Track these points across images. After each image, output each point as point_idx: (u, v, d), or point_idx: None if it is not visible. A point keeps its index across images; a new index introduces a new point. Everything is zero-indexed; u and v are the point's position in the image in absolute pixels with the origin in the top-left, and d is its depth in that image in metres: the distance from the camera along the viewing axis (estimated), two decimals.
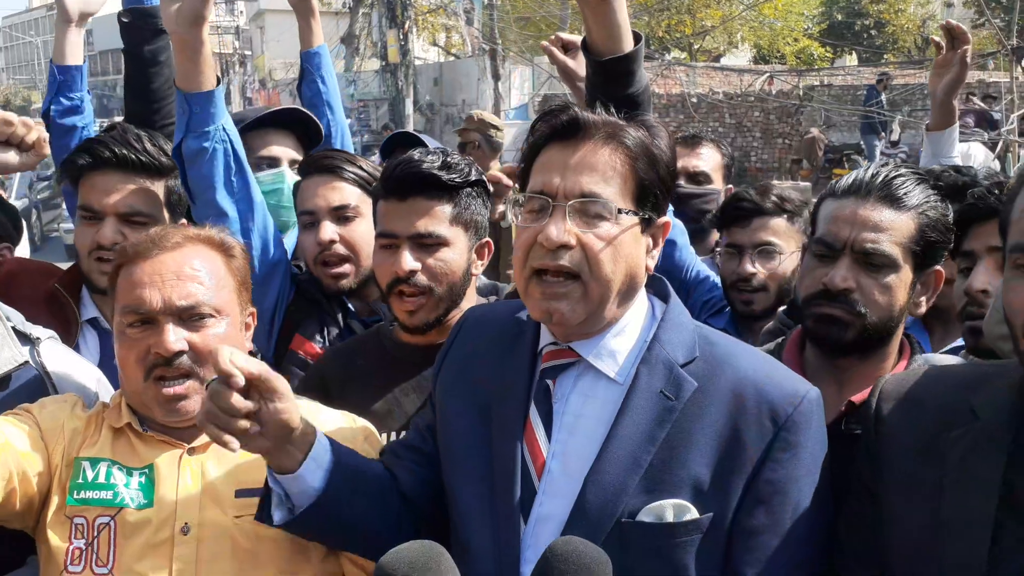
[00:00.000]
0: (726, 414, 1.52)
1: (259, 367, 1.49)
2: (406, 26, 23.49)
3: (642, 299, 1.64)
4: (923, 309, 1.90)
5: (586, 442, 1.55)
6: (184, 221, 2.42)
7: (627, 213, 1.52)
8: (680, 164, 3.07)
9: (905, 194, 1.81)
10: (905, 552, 1.50)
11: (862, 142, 18.28)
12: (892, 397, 1.60)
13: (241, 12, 53.69)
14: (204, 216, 2.32)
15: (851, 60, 33.55)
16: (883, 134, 17.76)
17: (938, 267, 1.86)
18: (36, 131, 2.25)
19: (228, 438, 1.47)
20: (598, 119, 1.55)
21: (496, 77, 22.95)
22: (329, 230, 2.41)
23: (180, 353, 1.75)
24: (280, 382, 1.51)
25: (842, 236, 1.81)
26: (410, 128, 21.60)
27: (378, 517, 1.66)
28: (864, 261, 1.80)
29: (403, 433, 2.02)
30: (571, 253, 1.51)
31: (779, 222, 2.58)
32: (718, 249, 2.79)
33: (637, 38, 1.98)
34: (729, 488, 1.50)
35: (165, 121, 2.63)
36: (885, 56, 32.12)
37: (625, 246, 1.53)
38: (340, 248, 2.42)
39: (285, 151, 2.88)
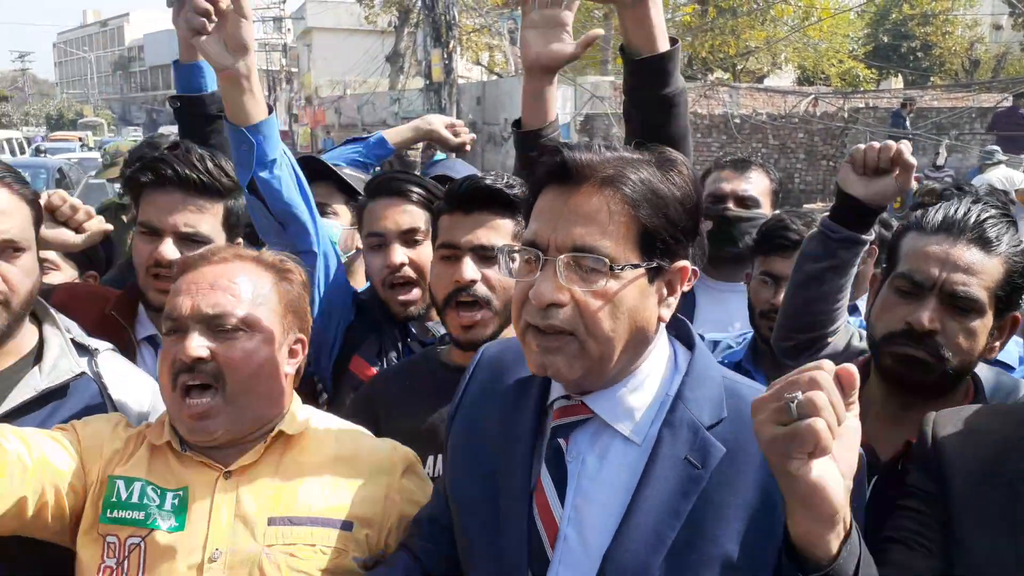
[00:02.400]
0: (757, 481, 1.37)
1: None
2: (450, 45, 23.66)
3: (662, 347, 1.50)
4: (996, 353, 1.85)
5: (603, 511, 1.41)
6: (240, 241, 2.42)
7: (628, 267, 1.37)
8: (729, 187, 3.10)
9: (996, 237, 1.78)
10: (969, 561, 1.46)
11: None
12: (948, 424, 1.56)
13: (288, 30, 54.46)
14: (299, 242, 2.33)
15: (896, 82, 33.18)
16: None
17: (1016, 313, 1.81)
18: (83, 212, 2.27)
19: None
20: (593, 160, 1.38)
21: None
22: (399, 253, 2.41)
23: (201, 360, 1.71)
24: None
25: (932, 275, 1.77)
26: None
27: None
28: (952, 303, 1.76)
29: None
30: (563, 311, 1.38)
31: None
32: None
33: (673, 41, 1.96)
34: (762, 559, 1.33)
35: None
36: (932, 79, 31.72)
37: (627, 301, 1.38)
38: (409, 271, 2.43)
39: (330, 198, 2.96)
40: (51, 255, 2.92)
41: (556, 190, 1.40)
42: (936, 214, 1.83)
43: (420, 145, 6.43)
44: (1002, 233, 1.79)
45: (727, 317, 2.97)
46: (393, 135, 3.44)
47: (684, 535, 1.36)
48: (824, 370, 1.13)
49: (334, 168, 3.08)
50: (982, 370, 1.95)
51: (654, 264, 1.39)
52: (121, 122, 76.76)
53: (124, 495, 1.74)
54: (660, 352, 1.49)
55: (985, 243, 1.77)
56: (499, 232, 2.03)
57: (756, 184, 3.15)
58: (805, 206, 17.95)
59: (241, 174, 2.28)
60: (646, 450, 1.42)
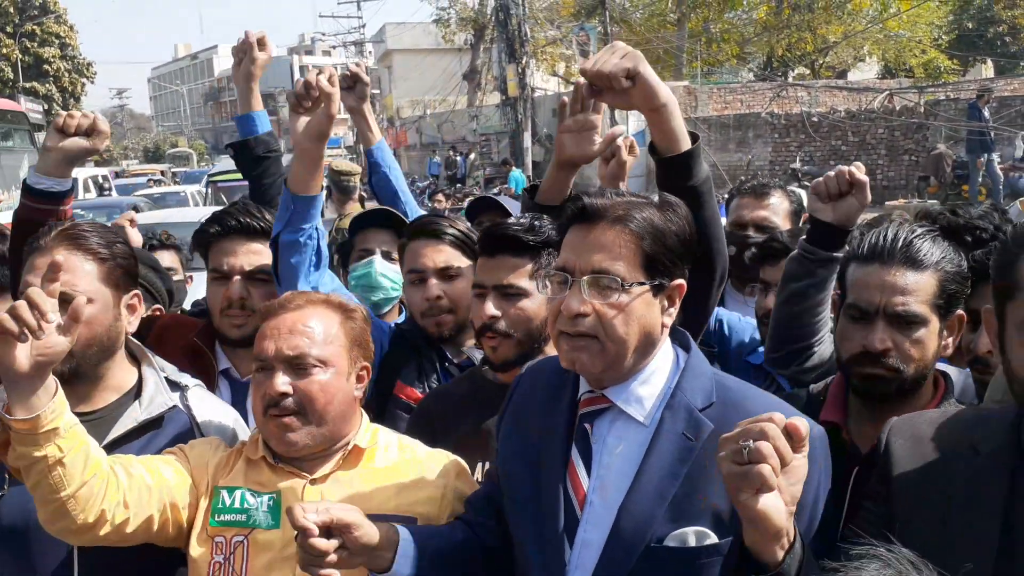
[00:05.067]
0: None
1: (328, 514, 1.74)
2: (524, 60, 24.00)
3: (667, 350, 1.84)
4: (950, 350, 2.10)
5: (620, 478, 1.75)
6: None
7: (636, 284, 1.72)
8: (749, 216, 3.39)
9: (924, 255, 2.01)
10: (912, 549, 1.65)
11: (979, 160, 17.48)
12: (899, 433, 1.78)
13: (370, 52, 55.64)
14: None
15: (987, 70, 32.16)
16: (994, 151, 17.10)
17: (960, 312, 2.06)
18: (80, 117, 2.60)
19: (327, 572, 1.75)
20: (607, 204, 1.75)
21: (613, 106, 23.14)
22: (435, 288, 2.75)
23: (285, 395, 2.05)
24: (350, 514, 1.78)
25: (874, 302, 2.02)
26: (528, 160, 22.08)
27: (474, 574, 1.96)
28: (897, 322, 2.01)
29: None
30: (588, 320, 1.72)
31: None
32: (752, 285, 3.01)
33: (695, 138, 2.17)
34: None
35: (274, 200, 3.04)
36: (1021, 63, 30.62)
37: (637, 310, 1.73)
38: (445, 303, 2.75)
39: (379, 243, 3.29)
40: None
41: (579, 227, 1.78)
42: (866, 242, 2.08)
43: (356, 171, 6.96)
44: (929, 249, 2.02)
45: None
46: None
47: (681, 491, 1.70)
48: (774, 422, 1.43)
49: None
50: (953, 372, 2.19)
51: (656, 282, 1.75)
52: (213, 151, 79.06)
53: (228, 502, 2.09)
54: (664, 354, 1.84)
55: (914, 262, 2.00)
56: (518, 273, 2.32)
57: (774, 209, 3.40)
58: (887, 203, 17.67)
59: (275, 226, 2.65)
60: (652, 429, 1.77)
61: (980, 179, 17.41)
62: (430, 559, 1.88)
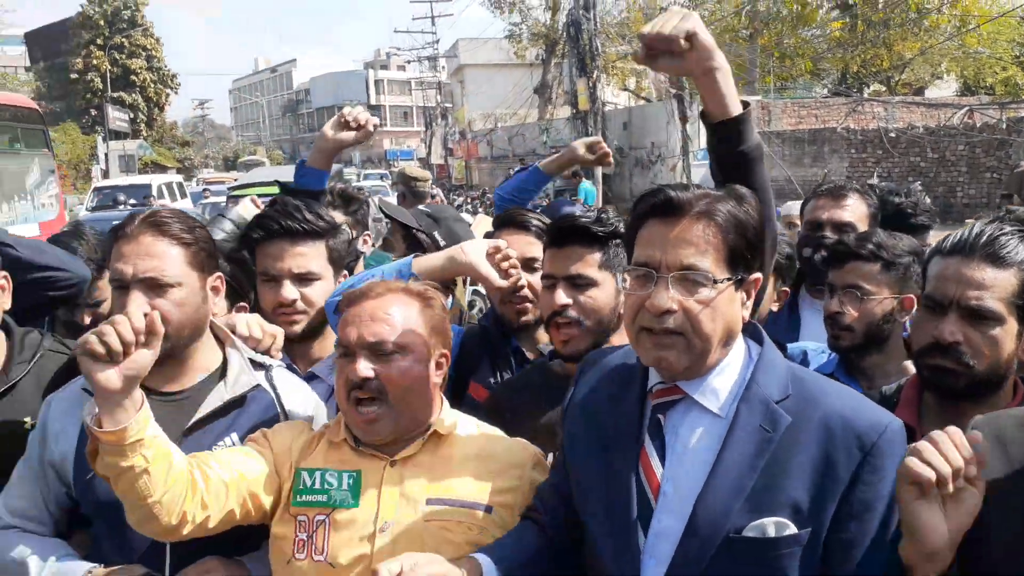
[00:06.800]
0: (817, 444, 1.70)
1: (414, 573, 1.80)
2: (594, 75, 24.06)
3: (740, 343, 1.84)
4: None
5: (694, 469, 1.75)
6: (345, 273, 2.87)
7: (722, 281, 1.72)
8: (826, 215, 3.33)
9: (1008, 252, 1.97)
10: (997, 555, 1.64)
11: None
12: (984, 432, 1.70)
13: (443, 68, 56.18)
14: None
15: None
16: None
17: None
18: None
19: None
20: (691, 197, 1.74)
21: (684, 119, 23.07)
22: (522, 278, 2.78)
23: (368, 379, 2.09)
24: (434, 567, 1.84)
25: (948, 293, 1.99)
26: (599, 173, 22.09)
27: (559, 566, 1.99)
28: (970, 316, 1.97)
29: None
30: (674, 316, 1.71)
31: (872, 268, 2.69)
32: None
33: (746, 104, 2.19)
34: (824, 507, 1.68)
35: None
36: None
37: (722, 306, 1.73)
38: (527, 292, 2.80)
39: None
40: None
41: (660, 221, 1.76)
42: (953, 238, 2.06)
43: (427, 177, 7.27)
44: (1015, 247, 1.97)
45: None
46: (546, 165, 3.93)
47: (759, 483, 1.70)
48: (948, 434, 1.54)
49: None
50: None
51: (739, 276, 1.76)
52: (290, 161, 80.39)
53: (309, 483, 2.16)
54: (739, 348, 1.83)
55: (996, 259, 1.96)
56: (587, 263, 2.37)
57: (852, 210, 3.35)
58: (967, 221, 17.25)
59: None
60: (727, 421, 1.76)
61: None
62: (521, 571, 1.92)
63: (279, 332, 2.66)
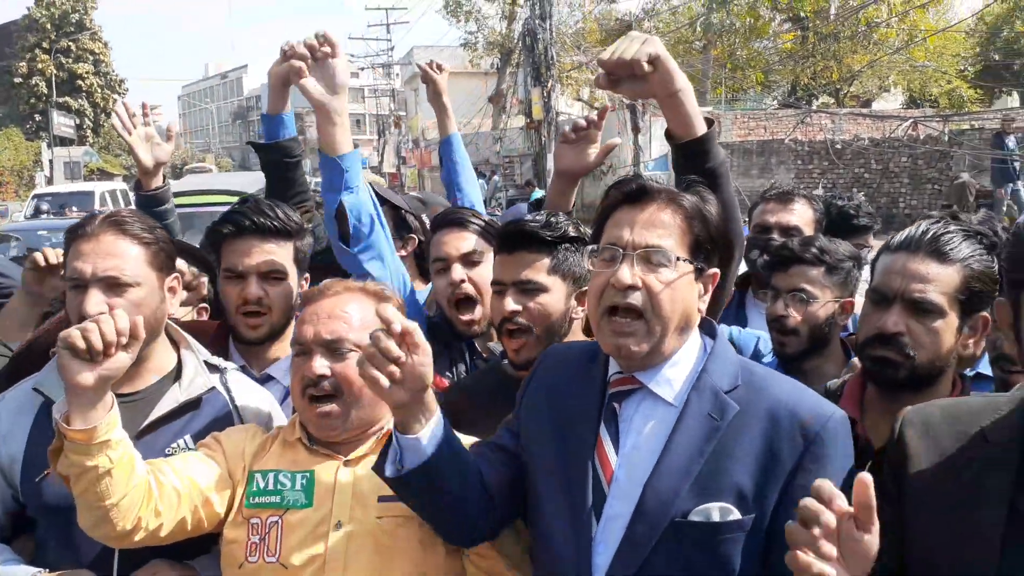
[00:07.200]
0: (763, 432, 1.77)
1: (412, 324, 1.76)
2: (549, 84, 24.16)
3: (695, 337, 1.91)
4: (971, 351, 2.13)
5: (646, 455, 1.81)
6: (307, 276, 2.84)
7: (683, 261, 1.80)
8: (773, 219, 3.41)
9: (951, 249, 2.04)
10: (921, 556, 1.69)
11: (1000, 190, 17.56)
12: (912, 424, 1.78)
13: (397, 75, 56.04)
14: (367, 266, 2.75)
15: (1012, 102, 32.02)
16: (1019, 180, 17.10)
17: (984, 313, 2.07)
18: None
19: (378, 375, 1.74)
20: (660, 187, 1.85)
21: (636, 130, 23.27)
22: (459, 271, 2.80)
23: (323, 377, 2.11)
24: (424, 341, 1.77)
25: (894, 286, 2.06)
26: (550, 181, 22.18)
27: (464, 499, 1.92)
28: (913, 308, 2.04)
29: None
30: (637, 293, 1.78)
31: (816, 272, 2.76)
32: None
33: (710, 123, 2.24)
34: (767, 494, 1.75)
35: (296, 199, 3.16)
36: None
37: (681, 289, 1.81)
38: (468, 287, 2.80)
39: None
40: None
41: (629, 207, 1.85)
42: (900, 235, 2.14)
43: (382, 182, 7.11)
44: (958, 244, 2.05)
45: None
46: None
47: (706, 469, 1.76)
48: (828, 491, 1.46)
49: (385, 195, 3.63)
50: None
51: (699, 265, 1.84)
52: (240, 168, 79.48)
53: (262, 484, 2.15)
54: (694, 341, 1.90)
55: (940, 255, 2.04)
56: (536, 269, 2.36)
57: (799, 215, 3.44)
58: None
59: (330, 199, 2.72)
60: (679, 409, 1.83)
61: (1005, 209, 17.38)
62: (451, 454, 1.87)
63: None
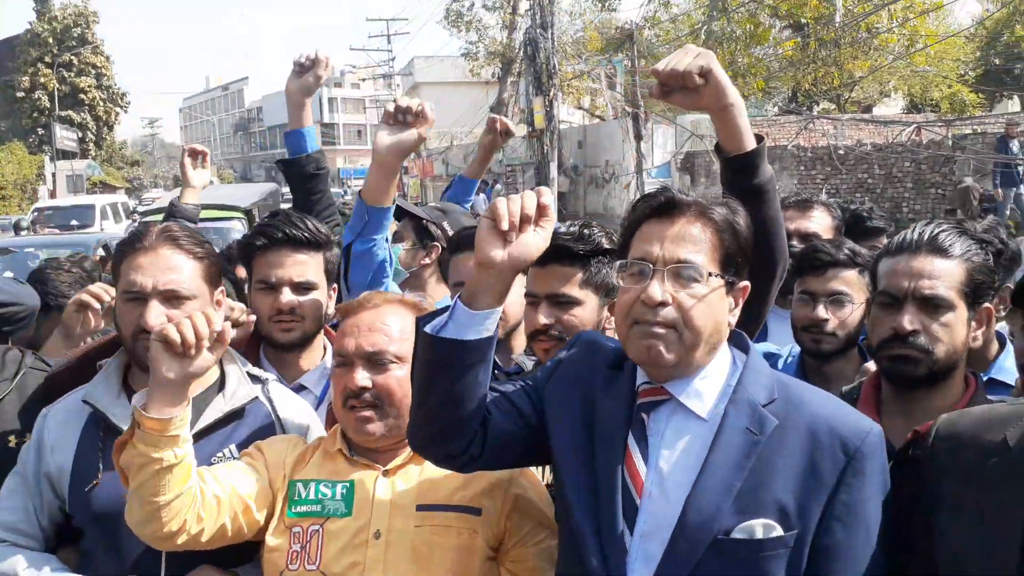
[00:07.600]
0: (802, 448, 1.75)
1: (549, 196, 1.81)
2: (551, 93, 24.22)
3: (725, 350, 1.87)
4: (980, 342, 2.19)
5: (682, 471, 1.77)
6: (335, 287, 2.90)
7: (715, 276, 1.78)
8: (793, 227, 3.40)
9: (950, 245, 2.11)
10: (947, 567, 1.71)
11: (999, 190, 17.67)
12: (944, 437, 1.81)
13: (398, 85, 56.13)
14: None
15: (1013, 106, 32.08)
16: (1023, 183, 17.18)
17: (988, 304, 2.15)
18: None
19: (504, 214, 1.76)
20: (690, 199, 1.82)
21: (639, 138, 23.31)
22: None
23: (364, 389, 2.15)
24: (554, 215, 1.82)
25: (903, 286, 2.10)
26: (555, 190, 22.25)
27: (470, 413, 1.87)
28: (925, 305, 2.09)
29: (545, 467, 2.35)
30: (668, 309, 1.75)
31: (851, 274, 2.80)
32: (790, 296, 2.99)
33: (760, 139, 2.24)
34: (809, 510, 1.73)
35: (324, 213, 3.25)
36: None
37: (713, 304, 1.78)
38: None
39: None
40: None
41: (658, 221, 1.83)
42: (897, 239, 2.20)
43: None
44: (955, 240, 2.12)
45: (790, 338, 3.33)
46: (468, 170, 4.19)
47: (747, 485, 1.74)
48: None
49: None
50: None
51: (730, 279, 1.82)
52: (242, 180, 79.55)
53: (303, 494, 2.19)
54: (724, 355, 1.87)
55: (941, 251, 2.10)
56: (569, 282, 2.38)
57: (818, 222, 3.48)
58: None
59: (346, 236, 2.78)
60: (713, 425, 1.79)
61: (1008, 212, 17.44)
62: (484, 358, 1.83)
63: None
